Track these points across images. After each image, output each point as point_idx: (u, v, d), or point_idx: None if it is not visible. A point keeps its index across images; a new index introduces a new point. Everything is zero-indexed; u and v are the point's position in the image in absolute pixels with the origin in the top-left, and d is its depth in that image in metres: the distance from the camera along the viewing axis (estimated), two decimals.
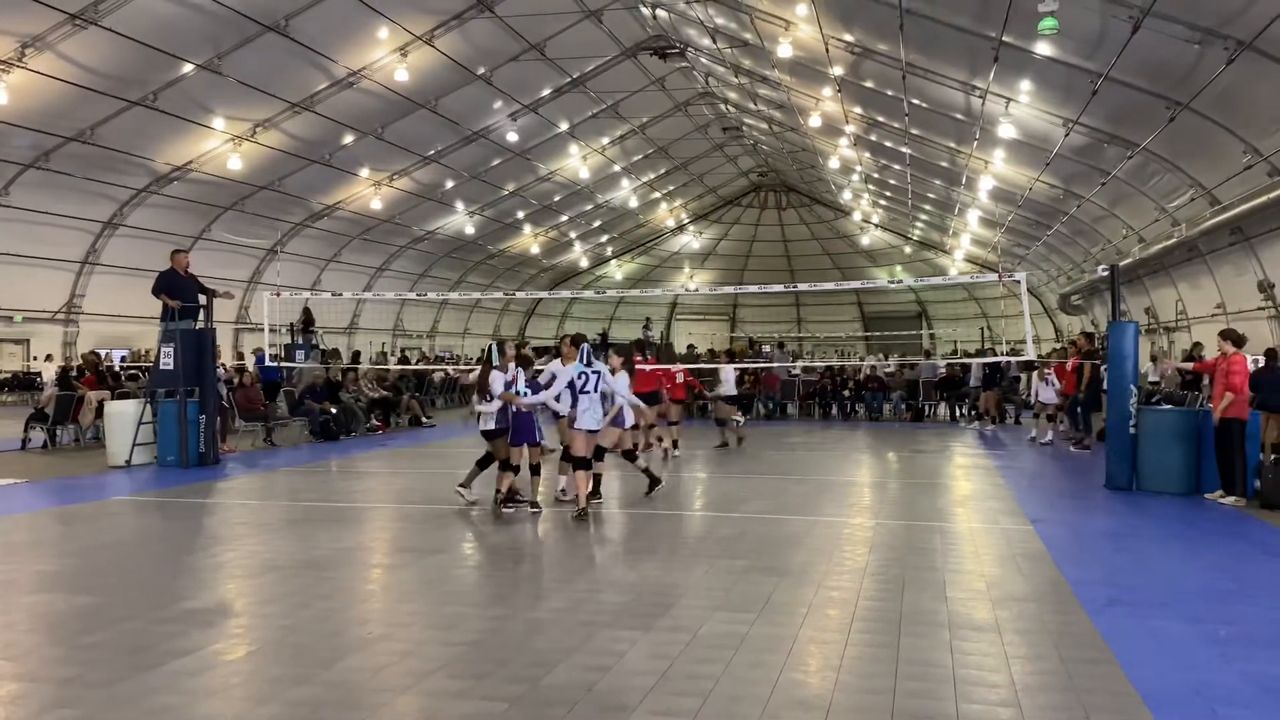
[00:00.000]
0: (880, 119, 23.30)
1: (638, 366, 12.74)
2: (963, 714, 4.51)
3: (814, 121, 24.25)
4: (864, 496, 11.61)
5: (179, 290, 14.28)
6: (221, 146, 23.28)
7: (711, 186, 42.53)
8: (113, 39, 17.73)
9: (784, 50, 19.17)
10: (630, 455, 11.10)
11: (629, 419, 10.84)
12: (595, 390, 9.71)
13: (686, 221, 46.86)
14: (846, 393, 24.50)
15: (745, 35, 21.65)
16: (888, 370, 25.83)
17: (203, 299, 14.62)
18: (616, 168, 34.60)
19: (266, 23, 18.83)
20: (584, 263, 46.91)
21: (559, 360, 10.73)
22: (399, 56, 21.18)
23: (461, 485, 10.27)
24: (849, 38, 18.50)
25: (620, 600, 6.52)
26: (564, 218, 38.66)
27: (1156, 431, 11.39)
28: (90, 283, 26.07)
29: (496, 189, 32.45)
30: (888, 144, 25.32)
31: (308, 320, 25.09)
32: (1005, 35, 14.55)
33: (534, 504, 9.85)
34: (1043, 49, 14.49)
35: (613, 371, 10.20)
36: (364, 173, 27.88)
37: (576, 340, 10.21)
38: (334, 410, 18.47)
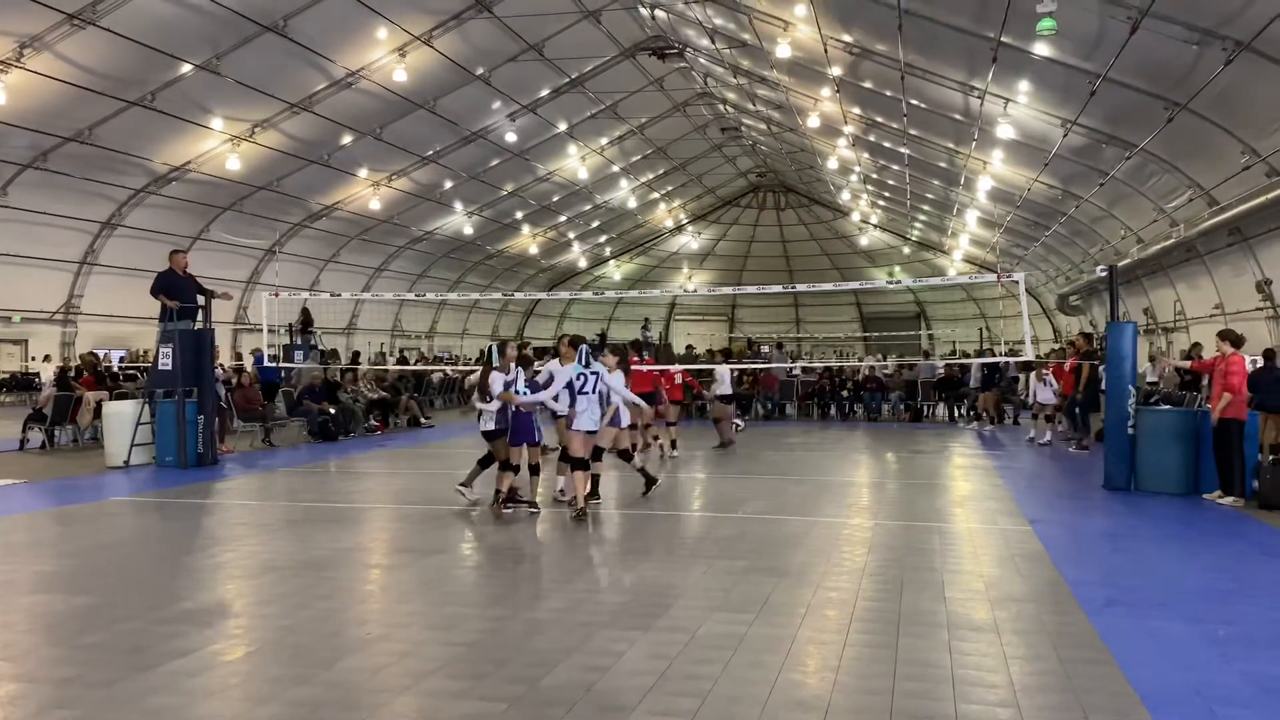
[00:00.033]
0: (879, 119, 23.30)
1: (634, 367, 12.74)
2: (961, 714, 4.51)
3: (812, 122, 24.26)
4: (863, 497, 11.60)
5: (177, 291, 14.26)
6: (220, 147, 23.28)
7: (710, 187, 42.51)
8: (111, 39, 17.73)
9: (783, 51, 19.17)
10: (626, 455, 11.11)
11: (625, 419, 10.85)
12: (593, 391, 9.73)
13: (685, 222, 46.86)
14: (845, 393, 24.48)
15: (744, 36, 21.65)
16: (886, 371, 25.83)
17: (201, 299, 14.60)
18: (615, 168, 34.60)
19: (265, 23, 18.83)
20: (582, 263, 46.92)
21: (557, 360, 10.73)
22: (397, 57, 21.19)
23: (462, 484, 10.28)
24: (847, 38, 18.51)
25: (619, 601, 6.53)
26: (562, 218, 38.66)
27: (1155, 432, 11.39)
28: (88, 283, 26.07)
29: (495, 189, 32.45)
30: (886, 144, 25.32)
31: (306, 321, 25.04)
32: (1004, 36, 14.56)
33: (533, 504, 9.86)
34: (1041, 49, 14.49)
35: (608, 371, 10.21)
36: (362, 173, 27.89)
37: (575, 341, 10.22)
38: (332, 411, 18.46)
